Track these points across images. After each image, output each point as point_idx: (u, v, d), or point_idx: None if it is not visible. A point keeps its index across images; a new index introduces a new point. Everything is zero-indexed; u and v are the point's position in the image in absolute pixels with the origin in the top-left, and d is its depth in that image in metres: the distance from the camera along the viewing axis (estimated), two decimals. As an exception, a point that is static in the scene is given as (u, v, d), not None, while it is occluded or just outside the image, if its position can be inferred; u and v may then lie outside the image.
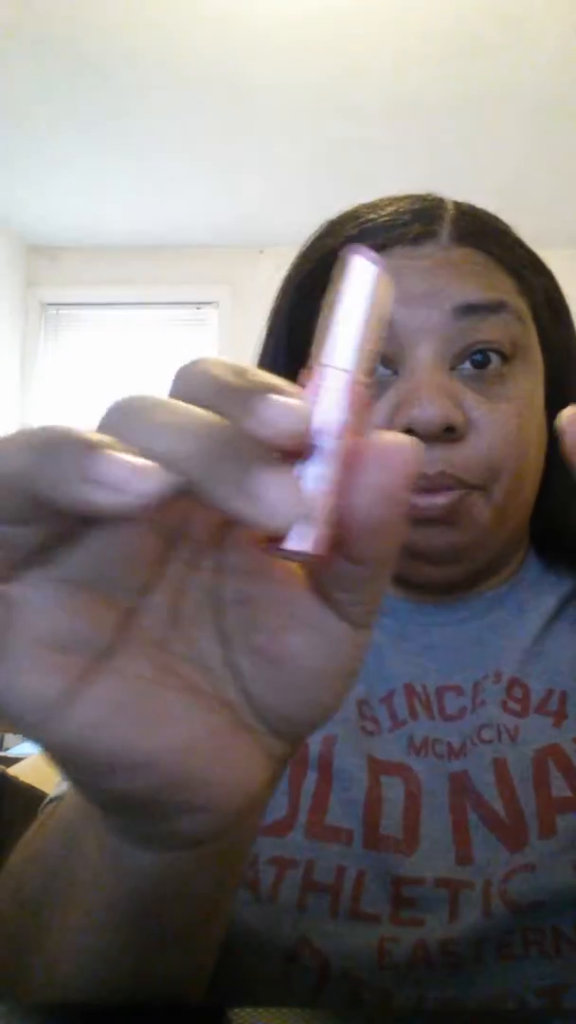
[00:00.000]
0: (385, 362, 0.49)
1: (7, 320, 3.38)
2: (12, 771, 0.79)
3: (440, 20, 2.22)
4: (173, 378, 0.21)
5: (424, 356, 0.48)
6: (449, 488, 0.47)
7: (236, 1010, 0.31)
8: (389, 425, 0.48)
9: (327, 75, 2.44)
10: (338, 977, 0.44)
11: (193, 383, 0.20)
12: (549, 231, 3.36)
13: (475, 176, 2.93)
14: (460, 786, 0.48)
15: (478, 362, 0.48)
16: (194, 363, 0.21)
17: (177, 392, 0.21)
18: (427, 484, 0.47)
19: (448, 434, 0.46)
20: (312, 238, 0.56)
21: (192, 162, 2.91)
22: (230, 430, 0.19)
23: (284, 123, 2.68)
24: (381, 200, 0.54)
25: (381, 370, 0.49)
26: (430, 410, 0.45)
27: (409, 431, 0.46)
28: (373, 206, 0.54)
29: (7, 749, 2.25)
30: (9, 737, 2.37)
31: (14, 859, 0.37)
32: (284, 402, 0.19)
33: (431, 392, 0.46)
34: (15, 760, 1.16)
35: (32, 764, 1.10)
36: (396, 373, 0.49)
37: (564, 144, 2.77)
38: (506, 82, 2.46)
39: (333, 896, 0.46)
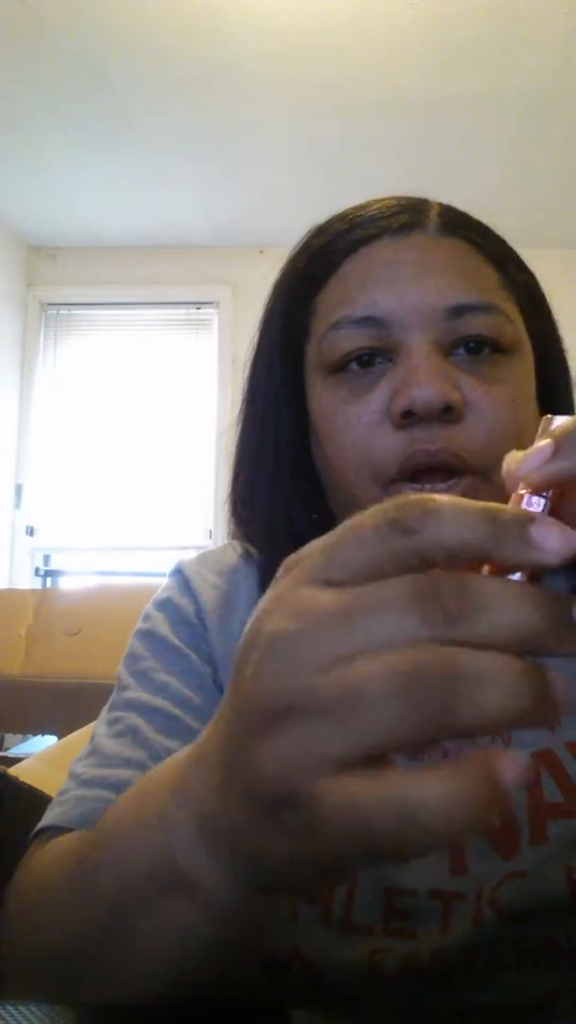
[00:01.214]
0: (381, 353, 0.50)
1: (7, 320, 3.38)
2: (12, 771, 0.79)
3: (438, 21, 2.21)
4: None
5: (419, 342, 0.49)
6: (451, 473, 0.47)
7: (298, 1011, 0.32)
8: (387, 410, 0.49)
9: (326, 75, 2.44)
10: (330, 987, 0.43)
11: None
12: (545, 232, 3.37)
13: (473, 176, 2.93)
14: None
15: (472, 348, 0.49)
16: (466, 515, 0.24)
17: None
18: (429, 460, 0.47)
19: (447, 415, 0.47)
20: (300, 242, 0.57)
21: (192, 162, 2.90)
22: None
23: (284, 123, 2.68)
24: (367, 201, 0.55)
25: (378, 360, 0.50)
26: (428, 390, 0.46)
27: (408, 413, 0.47)
28: (360, 206, 0.55)
29: (7, 749, 2.25)
30: (9, 737, 2.37)
31: (95, 870, 0.38)
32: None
33: (429, 373, 0.47)
34: (15, 760, 1.16)
35: (32, 764, 1.10)
36: (392, 362, 0.50)
37: (560, 145, 2.77)
38: (504, 83, 2.46)
39: (324, 906, 0.45)
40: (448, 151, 2.79)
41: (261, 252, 3.34)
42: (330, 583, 0.24)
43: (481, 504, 0.23)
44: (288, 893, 0.28)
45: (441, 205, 0.55)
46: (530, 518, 0.23)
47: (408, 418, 0.47)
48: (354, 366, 0.50)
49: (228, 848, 0.27)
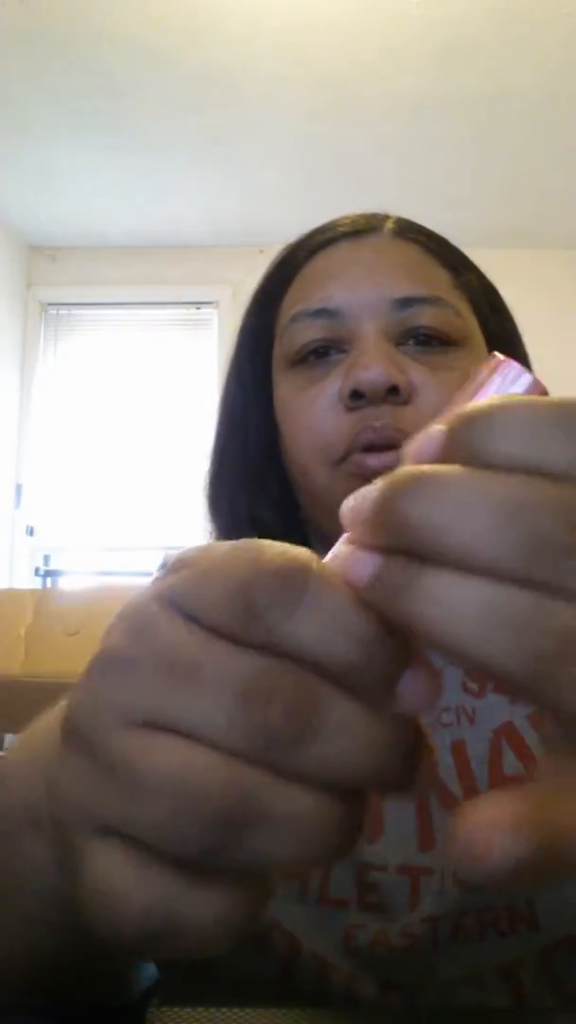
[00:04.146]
0: (335, 345, 0.53)
1: (7, 320, 3.38)
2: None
3: (439, 21, 2.22)
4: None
5: (368, 331, 0.52)
6: (398, 446, 0.49)
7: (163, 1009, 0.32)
8: (340, 395, 0.51)
9: (326, 75, 2.44)
10: (307, 958, 0.44)
11: None
12: (546, 232, 3.37)
13: (473, 176, 2.93)
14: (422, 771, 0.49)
15: (421, 340, 0.52)
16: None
17: None
18: (375, 437, 0.49)
19: (393, 396, 0.49)
20: (271, 265, 0.62)
21: (192, 162, 2.90)
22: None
23: (284, 123, 2.68)
24: (332, 220, 0.60)
25: (332, 352, 0.53)
26: (374, 370, 0.49)
27: (356, 394, 0.50)
28: (324, 224, 0.60)
29: (7, 749, 2.25)
30: (9, 737, 2.37)
31: None
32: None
33: (375, 355, 0.50)
34: (15, 760, 1.16)
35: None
36: (346, 352, 0.53)
37: (561, 145, 2.77)
38: (504, 83, 2.46)
39: (302, 881, 0.47)
40: (448, 151, 2.79)
41: (261, 252, 3.34)
42: (186, 614, 0.20)
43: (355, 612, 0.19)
44: None
45: (397, 216, 0.59)
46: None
47: (357, 400, 0.50)
48: (311, 358, 0.54)
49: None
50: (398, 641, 0.19)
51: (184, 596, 0.20)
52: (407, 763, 0.20)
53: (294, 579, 0.19)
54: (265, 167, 2.93)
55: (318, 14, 2.19)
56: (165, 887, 0.19)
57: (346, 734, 0.19)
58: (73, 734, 0.21)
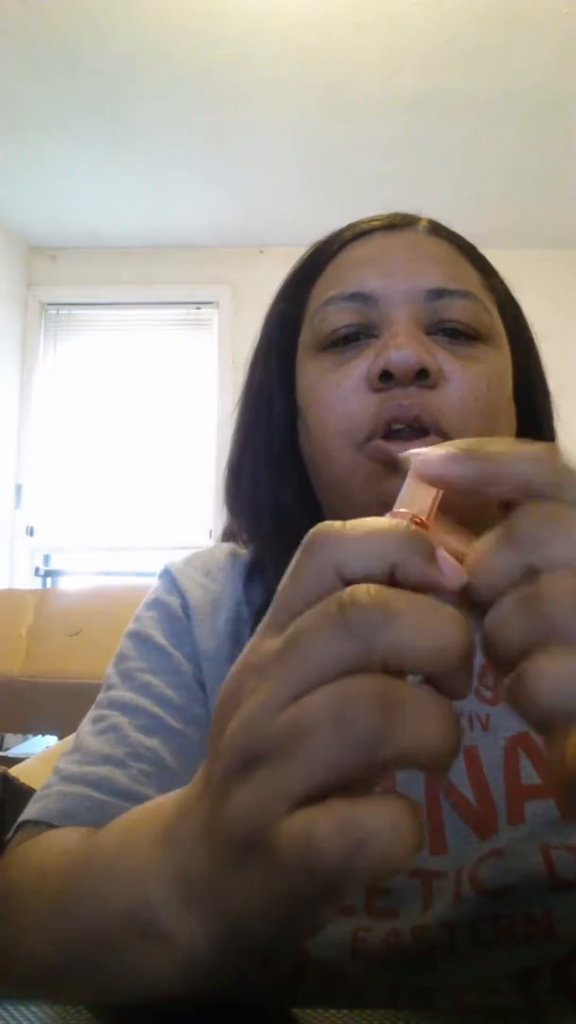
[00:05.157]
0: (366, 330, 0.54)
1: (7, 320, 3.38)
2: (12, 771, 0.79)
3: (439, 22, 2.22)
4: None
5: (401, 316, 0.52)
6: (424, 434, 0.50)
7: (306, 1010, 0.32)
8: (366, 376, 0.51)
9: (326, 75, 2.44)
10: (313, 965, 0.44)
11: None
12: (546, 232, 3.37)
13: (472, 177, 2.93)
14: (433, 776, 0.49)
15: (449, 332, 0.53)
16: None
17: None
18: (400, 413, 0.49)
19: (422, 379, 0.50)
20: (304, 254, 0.62)
21: (192, 162, 2.90)
22: None
23: (284, 123, 2.68)
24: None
25: (362, 337, 0.54)
26: (405, 351, 0.49)
27: (385, 375, 0.50)
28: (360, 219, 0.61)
29: (7, 749, 2.25)
30: (9, 737, 2.37)
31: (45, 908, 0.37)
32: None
33: (406, 337, 0.50)
34: (15, 760, 1.16)
35: (32, 764, 1.10)
36: (376, 338, 0.53)
37: (561, 146, 2.77)
38: (504, 83, 2.46)
39: None
40: (448, 151, 2.79)
41: (261, 252, 3.34)
42: (277, 628, 0.25)
43: (391, 522, 0.25)
44: (259, 952, 0.28)
45: (428, 218, 0.60)
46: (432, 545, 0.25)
47: (386, 381, 0.50)
48: (341, 343, 0.54)
49: (202, 904, 0.27)
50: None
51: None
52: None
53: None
54: (265, 167, 2.93)
55: (318, 14, 2.19)
56: (344, 811, 0.22)
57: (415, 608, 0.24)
58: (231, 760, 0.25)
